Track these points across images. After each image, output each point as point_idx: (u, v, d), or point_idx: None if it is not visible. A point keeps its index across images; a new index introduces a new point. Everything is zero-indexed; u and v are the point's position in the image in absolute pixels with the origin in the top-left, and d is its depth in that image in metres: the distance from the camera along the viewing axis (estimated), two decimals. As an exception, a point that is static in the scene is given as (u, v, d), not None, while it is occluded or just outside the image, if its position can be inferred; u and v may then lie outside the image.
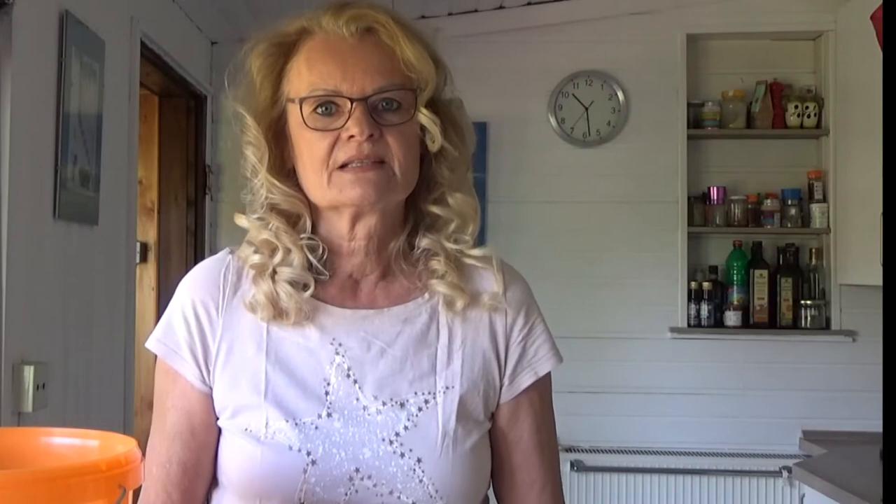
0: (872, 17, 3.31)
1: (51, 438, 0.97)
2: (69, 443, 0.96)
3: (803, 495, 3.31)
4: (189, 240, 3.62)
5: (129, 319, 2.86)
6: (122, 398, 2.80)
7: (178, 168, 3.62)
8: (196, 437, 1.16)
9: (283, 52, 1.16)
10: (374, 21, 1.14)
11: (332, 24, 1.14)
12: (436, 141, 1.16)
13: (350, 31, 1.14)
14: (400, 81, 1.13)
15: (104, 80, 2.58)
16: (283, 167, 1.17)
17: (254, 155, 1.16)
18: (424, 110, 1.14)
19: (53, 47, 2.29)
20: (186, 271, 1.24)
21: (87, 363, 2.52)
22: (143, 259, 3.51)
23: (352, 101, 1.10)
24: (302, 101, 1.12)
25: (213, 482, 1.18)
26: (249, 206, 1.19)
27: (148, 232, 3.55)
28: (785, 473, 3.79)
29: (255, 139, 1.15)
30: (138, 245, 3.29)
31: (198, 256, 3.56)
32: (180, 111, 3.64)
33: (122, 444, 0.89)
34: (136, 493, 1.11)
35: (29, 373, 2.12)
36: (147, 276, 3.52)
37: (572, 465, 3.90)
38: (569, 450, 3.91)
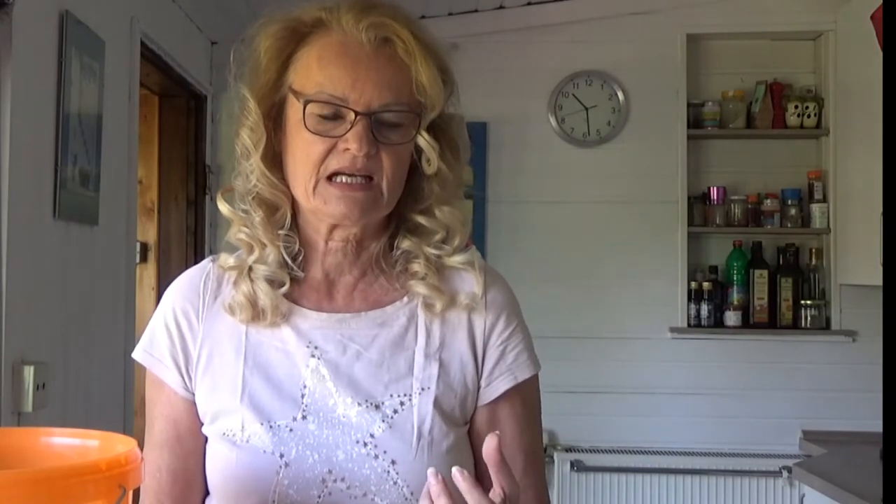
0: (872, 17, 3.31)
1: (51, 438, 0.98)
2: (69, 443, 0.97)
3: (803, 495, 3.31)
4: (189, 240, 3.62)
5: (129, 319, 2.86)
6: (122, 398, 2.80)
7: (178, 168, 3.62)
8: (183, 445, 1.16)
9: (295, 38, 1.14)
10: (393, 33, 1.12)
11: (351, 25, 1.12)
12: (432, 164, 1.15)
13: (368, 37, 1.11)
14: (407, 101, 1.12)
15: (104, 80, 2.58)
16: (275, 154, 1.16)
17: (249, 139, 1.14)
18: (425, 134, 1.14)
19: (53, 47, 2.29)
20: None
21: (87, 363, 2.52)
22: (143, 259, 3.51)
23: (356, 113, 1.09)
24: (306, 101, 1.10)
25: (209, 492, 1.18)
26: (237, 193, 1.18)
27: (148, 232, 3.55)
28: (785, 473, 3.79)
29: (255, 123, 1.14)
30: (138, 245, 3.29)
31: (198, 256, 3.56)
32: (180, 111, 3.64)
33: (122, 444, 0.90)
34: (137, 493, 1.11)
35: (29, 373, 2.12)
36: (147, 276, 3.52)
37: (572, 465, 3.90)
38: (569, 450, 3.91)
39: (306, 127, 1.11)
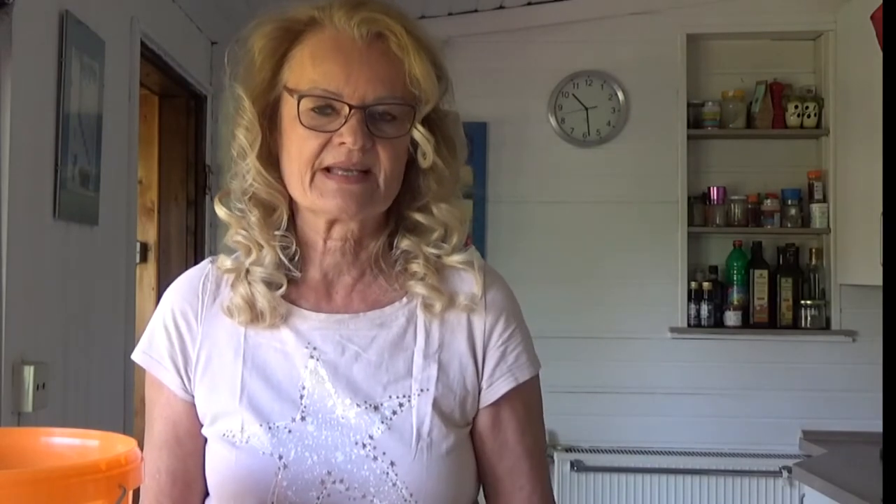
0: (872, 17, 3.31)
1: (51, 438, 0.98)
2: (69, 443, 0.96)
3: (803, 495, 3.31)
4: (189, 240, 3.62)
5: (128, 319, 2.86)
6: (122, 398, 2.80)
7: (178, 168, 3.62)
8: (182, 446, 1.16)
9: (289, 37, 1.14)
10: (386, 28, 1.12)
11: (343, 21, 1.12)
12: (427, 157, 1.15)
13: (361, 33, 1.12)
14: (401, 95, 1.12)
15: (104, 80, 2.58)
16: (270, 154, 1.16)
17: (245, 138, 1.14)
18: (420, 127, 1.14)
19: (53, 47, 2.29)
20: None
21: (87, 363, 2.52)
22: (143, 259, 3.51)
23: (350, 107, 1.09)
24: (300, 97, 1.11)
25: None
26: (233, 193, 1.18)
27: (148, 232, 3.55)
28: (785, 473, 3.79)
29: (250, 123, 1.14)
30: (138, 245, 3.29)
31: (198, 256, 3.56)
32: (180, 111, 3.64)
33: (122, 444, 0.90)
34: (137, 493, 1.11)
35: (29, 373, 2.12)
36: (147, 276, 3.52)
37: (572, 465, 3.90)
38: (569, 450, 3.91)
39: (301, 122, 1.11)
